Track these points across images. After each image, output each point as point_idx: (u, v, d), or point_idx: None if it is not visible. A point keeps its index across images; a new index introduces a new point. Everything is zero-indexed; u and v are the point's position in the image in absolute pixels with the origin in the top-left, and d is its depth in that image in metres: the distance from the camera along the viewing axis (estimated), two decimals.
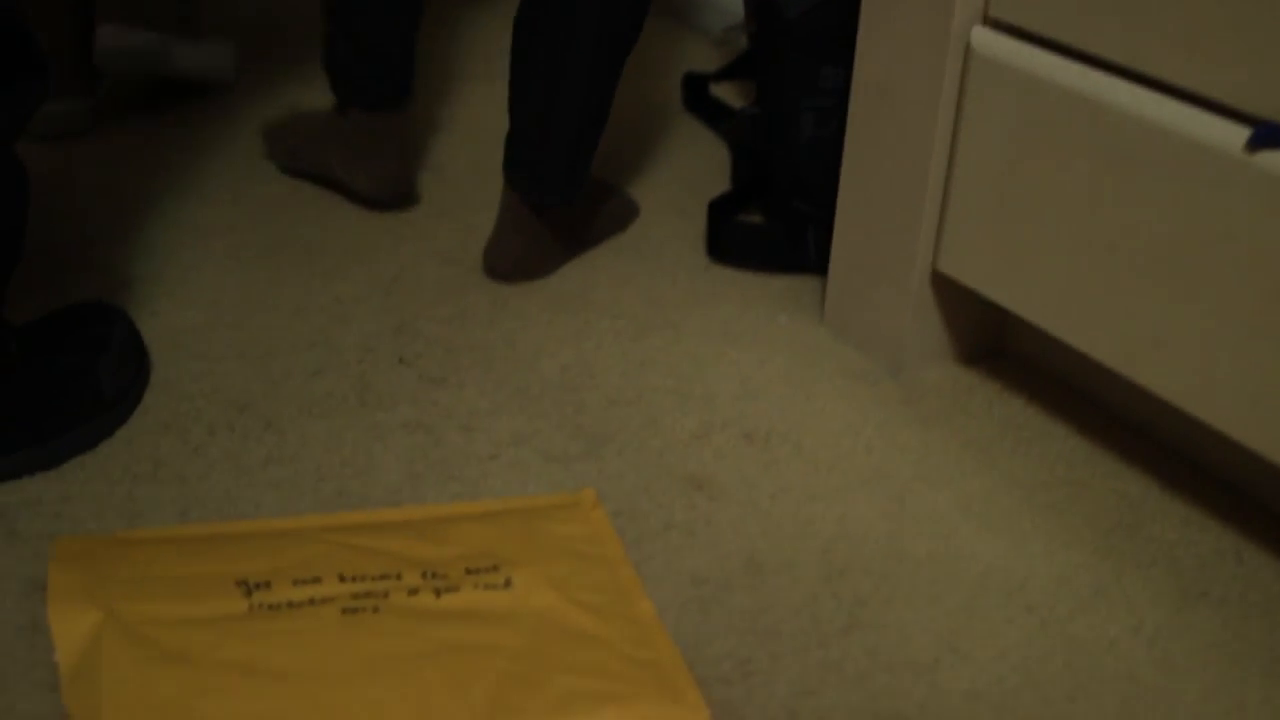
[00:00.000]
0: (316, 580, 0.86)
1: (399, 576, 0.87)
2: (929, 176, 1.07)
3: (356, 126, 1.34)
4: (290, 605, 0.84)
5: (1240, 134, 0.87)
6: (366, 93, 1.32)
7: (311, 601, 0.84)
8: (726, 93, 1.67)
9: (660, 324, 1.21)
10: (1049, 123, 0.98)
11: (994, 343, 1.19)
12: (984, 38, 1.02)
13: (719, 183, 1.47)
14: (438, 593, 0.85)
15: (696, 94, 1.65)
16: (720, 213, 1.35)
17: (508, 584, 0.86)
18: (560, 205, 1.25)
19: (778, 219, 1.34)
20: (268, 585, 0.85)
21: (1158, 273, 0.93)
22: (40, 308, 1.17)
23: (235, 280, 1.24)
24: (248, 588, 0.85)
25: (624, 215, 1.37)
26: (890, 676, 0.85)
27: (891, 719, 0.82)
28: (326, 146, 1.37)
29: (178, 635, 0.81)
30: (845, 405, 1.11)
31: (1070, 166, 0.97)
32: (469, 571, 0.87)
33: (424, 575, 0.87)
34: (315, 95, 1.61)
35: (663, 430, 1.07)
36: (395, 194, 1.36)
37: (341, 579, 0.86)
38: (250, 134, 1.52)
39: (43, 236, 1.29)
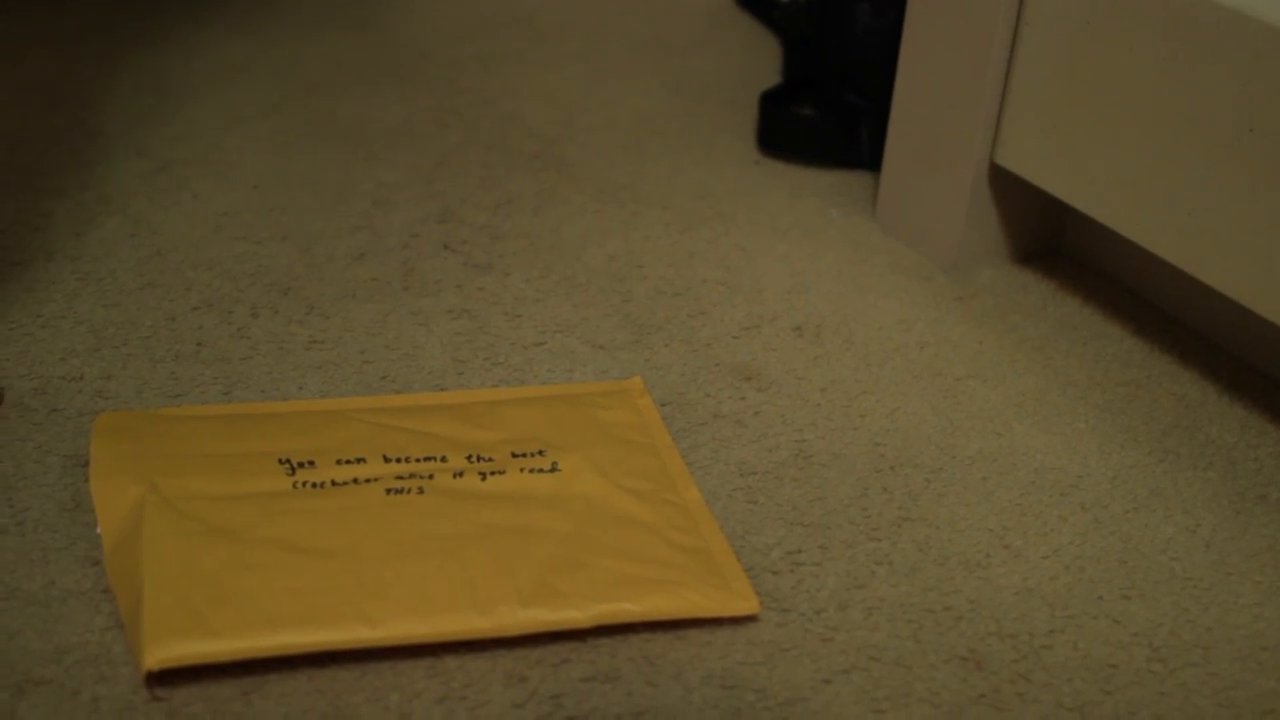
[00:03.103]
0: (360, 460, 0.85)
1: (444, 459, 0.85)
2: (989, 66, 1.04)
3: None
4: (334, 484, 0.83)
5: None
6: None
7: (355, 481, 0.83)
8: None
9: (709, 216, 1.19)
10: (1118, 6, 0.94)
11: (1049, 241, 1.17)
12: None
13: (770, 76, 1.44)
14: (483, 475, 0.84)
15: None
16: (772, 105, 1.32)
17: (554, 468, 0.85)
18: None
19: (830, 112, 1.31)
20: (311, 464, 0.84)
21: (1228, 164, 0.90)
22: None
23: (277, 164, 1.22)
24: (291, 466, 0.84)
25: None
26: (941, 571, 0.84)
27: (942, 613, 0.81)
28: None
29: (220, 511, 0.80)
30: (897, 301, 1.09)
31: (1139, 53, 0.94)
32: (515, 455, 0.86)
33: (469, 458, 0.86)
34: None
35: (711, 321, 1.05)
36: None
37: (386, 460, 0.85)
38: (297, 20, 1.50)
39: (84, 118, 1.27)
